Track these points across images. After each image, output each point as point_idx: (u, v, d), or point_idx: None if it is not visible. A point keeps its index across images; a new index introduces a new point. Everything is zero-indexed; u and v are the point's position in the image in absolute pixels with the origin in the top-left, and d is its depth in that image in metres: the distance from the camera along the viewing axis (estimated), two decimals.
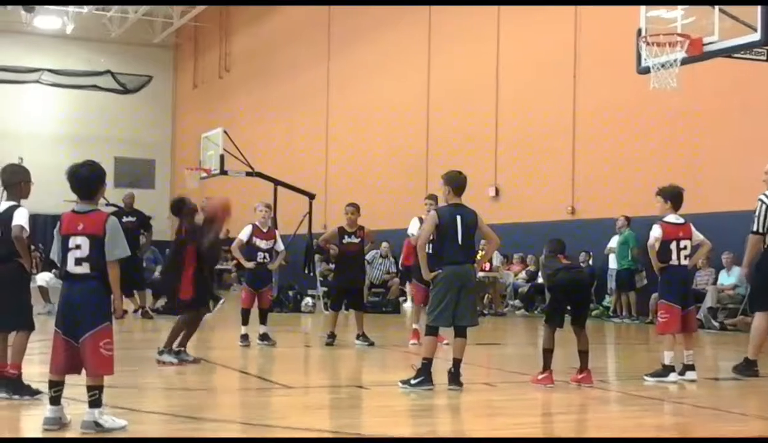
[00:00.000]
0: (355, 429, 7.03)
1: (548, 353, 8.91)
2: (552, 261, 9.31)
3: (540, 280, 19.61)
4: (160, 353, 10.23)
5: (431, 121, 24.79)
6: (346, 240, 12.80)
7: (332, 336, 12.61)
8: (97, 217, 6.36)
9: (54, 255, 6.51)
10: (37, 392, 7.40)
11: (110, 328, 6.32)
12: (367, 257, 21.62)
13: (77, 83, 36.02)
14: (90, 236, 6.28)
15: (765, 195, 9.82)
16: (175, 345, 10.34)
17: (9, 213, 7.56)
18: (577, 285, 9.27)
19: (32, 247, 8.60)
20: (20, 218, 7.52)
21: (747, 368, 9.87)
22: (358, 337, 12.71)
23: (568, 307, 9.20)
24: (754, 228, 9.82)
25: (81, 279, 6.32)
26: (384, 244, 21.40)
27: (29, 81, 35.42)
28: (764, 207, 9.74)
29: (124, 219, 16.69)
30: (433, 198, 12.33)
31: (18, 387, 7.49)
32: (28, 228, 7.62)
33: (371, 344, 12.56)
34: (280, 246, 12.84)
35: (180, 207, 10.78)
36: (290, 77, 32.01)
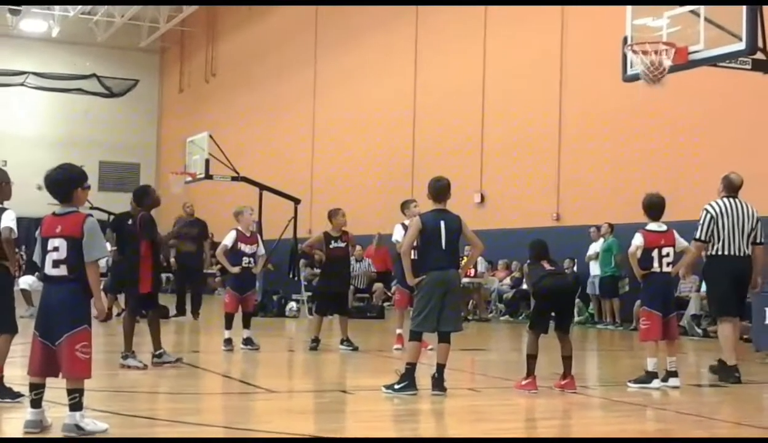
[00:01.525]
0: (338, 433, 7.02)
1: (532, 359, 8.92)
2: (536, 268, 9.31)
3: (525, 286, 19.67)
4: (124, 358, 10.15)
5: (417, 126, 24.82)
6: (333, 245, 12.80)
7: (316, 340, 12.58)
8: (74, 218, 6.32)
9: (36, 257, 6.49)
10: (19, 395, 7.36)
11: (88, 331, 6.28)
12: None
13: (62, 86, 35.94)
14: (67, 238, 6.25)
15: (710, 205, 10.16)
16: (154, 350, 10.32)
17: None
18: (562, 291, 9.29)
19: (16, 250, 8.57)
20: (9, 220, 7.51)
21: (728, 374, 9.93)
22: (342, 342, 12.70)
23: (553, 313, 9.22)
24: (697, 236, 10.18)
25: (58, 281, 6.29)
26: (358, 248, 21.41)
27: (14, 84, 35.33)
28: (708, 216, 10.10)
29: (129, 222, 16.62)
30: (414, 200, 12.55)
31: None
32: (16, 231, 7.60)
33: (355, 349, 12.55)
34: (262, 250, 12.88)
35: (142, 195, 10.71)
36: (276, 82, 32.01)
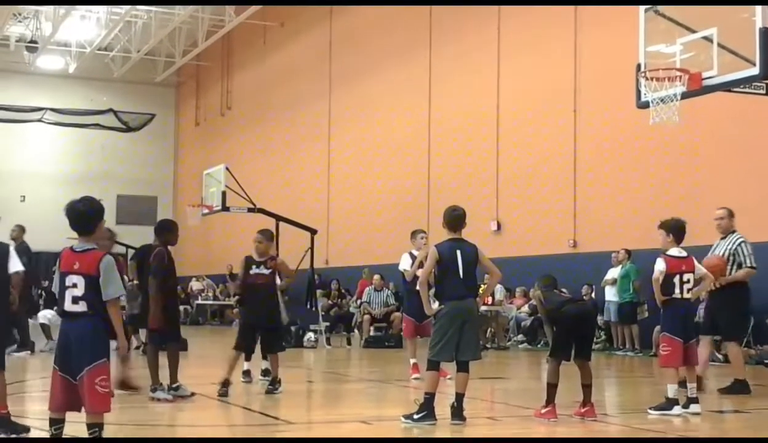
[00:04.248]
0: None
1: (552, 387, 8.87)
2: (554, 295, 9.28)
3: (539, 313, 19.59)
4: (153, 390, 10.18)
5: (432, 155, 24.88)
6: (254, 270, 11.17)
7: (226, 384, 10.72)
8: (92, 256, 6.32)
9: (55, 289, 6.49)
10: (27, 429, 7.43)
11: (107, 365, 6.28)
12: (363, 296, 21.61)
13: (80, 122, 36.26)
14: (85, 275, 6.26)
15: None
16: (170, 383, 10.32)
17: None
18: (585, 318, 9.26)
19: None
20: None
21: (743, 387, 10.55)
22: (267, 376, 11.68)
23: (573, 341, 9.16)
24: (750, 264, 11.17)
25: (77, 317, 6.28)
26: (376, 277, 21.42)
27: (32, 120, 35.65)
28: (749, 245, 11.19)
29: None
30: (422, 231, 12.54)
31: (6, 425, 7.52)
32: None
33: (274, 389, 11.12)
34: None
35: (167, 229, 10.74)
36: (291, 114, 32.17)
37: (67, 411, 6.36)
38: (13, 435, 7.42)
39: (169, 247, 10.59)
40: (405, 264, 12.64)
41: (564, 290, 9.58)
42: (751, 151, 16.82)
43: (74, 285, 6.28)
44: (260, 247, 11.26)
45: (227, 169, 23.00)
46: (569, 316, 9.04)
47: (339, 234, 28.25)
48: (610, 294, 18.40)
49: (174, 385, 10.35)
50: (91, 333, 6.27)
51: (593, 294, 18.73)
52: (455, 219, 8.83)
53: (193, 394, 10.41)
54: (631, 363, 16.75)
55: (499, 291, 20.23)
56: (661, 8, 11.52)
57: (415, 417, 8.51)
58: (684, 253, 9.63)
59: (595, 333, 16.88)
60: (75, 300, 6.29)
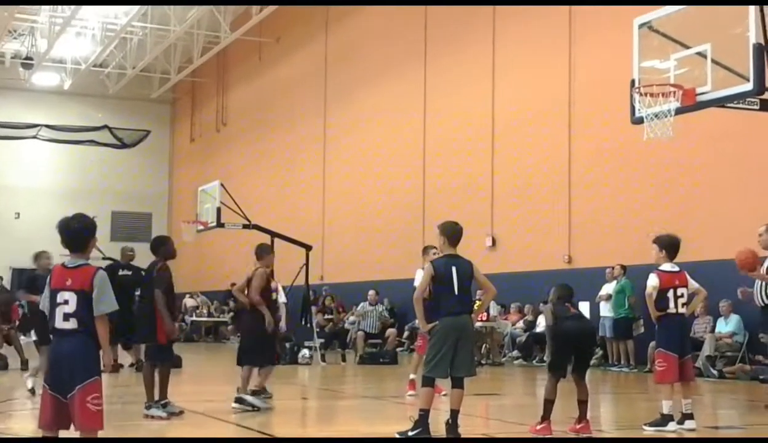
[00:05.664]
0: None
1: (549, 403, 8.84)
2: (562, 309, 9.25)
3: (538, 329, 19.57)
4: (147, 408, 10.13)
5: (427, 171, 24.90)
6: (272, 284, 11.50)
7: (262, 392, 11.18)
8: (85, 272, 6.30)
9: (44, 307, 6.45)
10: None
11: (99, 383, 6.25)
12: (359, 308, 21.60)
13: (75, 138, 36.24)
14: (78, 291, 6.23)
15: None
16: (159, 399, 10.26)
17: None
18: (584, 335, 9.24)
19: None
20: None
21: None
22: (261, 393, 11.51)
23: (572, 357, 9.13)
24: None
25: (69, 334, 6.24)
26: (371, 292, 21.42)
27: (27, 137, 35.66)
28: None
29: (120, 272, 16.65)
30: (434, 247, 12.43)
31: None
32: None
33: (256, 409, 10.98)
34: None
35: (160, 245, 10.70)
36: (287, 130, 32.20)
37: (57, 429, 6.32)
38: None
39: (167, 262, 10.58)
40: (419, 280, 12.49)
41: (575, 304, 9.49)
42: (746, 167, 16.84)
43: (66, 302, 6.25)
44: (272, 259, 11.50)
45: (222, 185, 23.00)
46: (567, 333, 9.03)
47: (334, 250, 28.24)
48: (605, 310, 18.38)
49: (162, 402, 10.30)
50: (82, 350, 6.23)
51: (588, 311, 18.63)
52: (458, 233, 8.83)
53: (182, 412, 10.35)
54: (627, 379, 16.72)
55: (494, 307, 20.20)
56: (655, 24, 11.56)
57: (410, 433, 8.48)
58: (676, 268, 9.62)
59: (594, 351, 16.82)
60: (66, 317, 6.25)
